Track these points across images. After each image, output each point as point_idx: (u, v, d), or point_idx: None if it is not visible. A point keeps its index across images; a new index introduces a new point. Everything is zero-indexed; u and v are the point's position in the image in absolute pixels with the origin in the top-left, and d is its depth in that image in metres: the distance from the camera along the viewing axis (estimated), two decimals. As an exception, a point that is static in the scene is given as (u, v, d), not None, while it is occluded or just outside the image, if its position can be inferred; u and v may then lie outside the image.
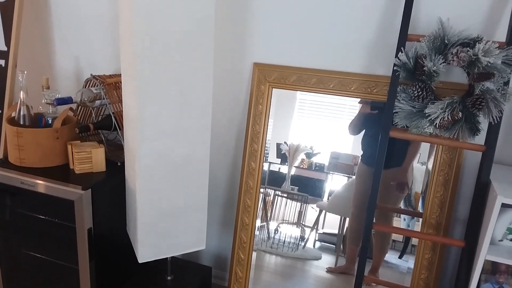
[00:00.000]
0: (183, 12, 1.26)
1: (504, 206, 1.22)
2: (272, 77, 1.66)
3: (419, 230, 1.57)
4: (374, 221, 1.44)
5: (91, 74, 1.66)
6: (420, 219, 1.56)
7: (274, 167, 1.76)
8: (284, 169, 1.75)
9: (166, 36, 1.26)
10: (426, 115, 1.27)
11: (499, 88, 1.23)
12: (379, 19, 1.51)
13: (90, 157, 1.56)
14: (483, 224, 1.31)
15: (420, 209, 1.57)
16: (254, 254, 1.79)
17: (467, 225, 1.41)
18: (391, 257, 1.63)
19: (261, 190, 1.76)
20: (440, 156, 1.49)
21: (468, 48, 1.21)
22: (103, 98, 1.63)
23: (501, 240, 1.35)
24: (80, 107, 1.78)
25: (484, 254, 1.26)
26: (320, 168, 1.70)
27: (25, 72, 1.60)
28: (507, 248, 1.33)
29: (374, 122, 1.59)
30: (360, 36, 1.55)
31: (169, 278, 1.70)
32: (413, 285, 1.56)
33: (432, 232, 1.53)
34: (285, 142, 1.73)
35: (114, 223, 1.64)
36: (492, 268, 1.42)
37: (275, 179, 1.76)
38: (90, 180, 1.51)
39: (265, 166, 1.76)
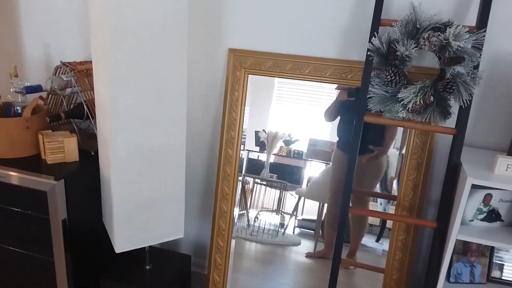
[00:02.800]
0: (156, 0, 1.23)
1: (474, 187, 1.25)
2: (247, 63, 1.65)
3: (393, 213, 1.60)
4: (350, 205, 1.46)
5: (61, 61, 1.61)
6: (395, 203, 1.60)
7: (253, 155, 1.75)
8: (263, 156, 1.75)
9: (138, 23, 1.23)
10: (399, 99, 1.29)
11: (469, 72, 1.25)
12: (353, 4, 1.51)
13: (62, 147, 1.52)
14: (454, 205, 1.34)
15: (395, 193, 1.60)
16: (233, 241, 1.80)
17: (439, 207, 1.45)
18: (368, 240, 1.66)
19: (240, 178, 1.76)
20: (413, 140, 1.52)
21: (439, 33, 1.22)
22: (74, 86, 1.59)
23: (472, 220, 1.39)
24: (50, 95, 1.73)
25: (455, 234, 1.30)
26: (298, 155, 1.71)
27: (-9, 60, 1.54)
28: (477, 228, 1.38)
29: (349, 108, 1.60)
30: (334, 21, 1.55)
31: (147, 267, 1.69)
32: (388, 266, 1.60)
33: (406, 214, 1.57)
34: (263, 130, 1.73)
35: (89, 213, 1.62)
36: (463, 248, 1.46)
37: (254, 167, 1.76)
38: (62, 170, 1.48)
39: (244, 154, 1.75)
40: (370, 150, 1.61)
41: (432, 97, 1.27)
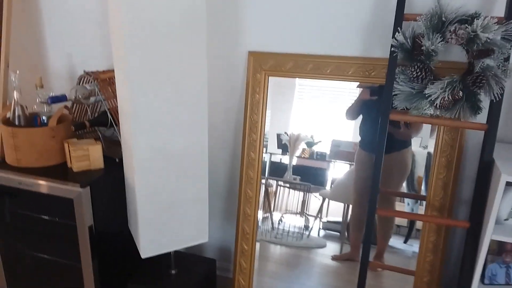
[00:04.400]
0: (173, 1, 1.23)
1: (509, 184, 1.20)
2: (267, 65, 1.64)
3: (423, 214, 1.55)
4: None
5: (84, 71, 1.64)
6: (424, 204, 1.55)
7: (276, 158, 1.74)
8: (285, 159, 1.74)
9: (156, 26, 1.24)
10: (426, 96, 1.25)
11: (499, 65, 1.20)
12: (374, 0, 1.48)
13: (88, 155, 1.55)
14: (488, 204, 1.29)
15: (423, 192, 1.56)
16: (257, 244, 1.78)
17: (471, 206, 1.40)
18: (396, 242, 1.63)
19: (263, 180, 1.75)
20: (442, 137, 1.47)
21: (466, 25, 1.18)
22: (98, 95, 1.61)
23: (507, 219, 1.34)
24: (75, 104, 1.76)
25: (489, 234, 1.25)
26: (321, 156, 1.68)
27: (18, 71, 1.58)
28: (513, 227, 1.32)
29: (372, 107, 1.57)
30: (355, 18, 1.52)
31: (173, 272, 1.70)
32: (419, 269, 1.56)
33: (437, 215, 1.52)
34: (285, 132, 1.72)
35: (115, 220, 1.64)
36: (498, 248, 1.41)
37: (277, 170, 1.75)
38: (88, 178, 1.50)
39: (267, 157, 1.74)
40: (394, 148, 1.57)
41: (461, 92, 1.23)
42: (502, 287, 1.39)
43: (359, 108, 1.59)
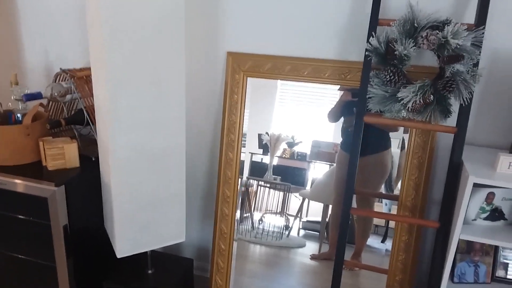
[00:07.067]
0: (152, 1, 1.23)
1: (476, 185, 1.24)
2: (246, 66, 1.65)
3: (395, 214, 1.59)
4: (353, 206, 1.45)
5: (60, 68, 1.62)
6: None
7: (256, 158, 1.75)
8: (266, 159, 1.75)
9: (135, 27, 1.23)
10: (399, 99, 1.28)
11: (468, 70, 1.24)
12: (351, 4, 1.50)
13: (63, 153, 1.53)
14: (457, 204, 1.33)
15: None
16: (235, 244, 1.79)
17: (441, 206, 1.44)
18: (373, 241, 1.65)
19: (243, 180, 1.76)
20: (414, 139, 1.51)
21: (437, 31, 1.21)
22: (74, 92, 1.59)
23: (475, 220, 1.38)
24: (51, 102, 1.74)
25: (458, 234, 1.29)
26: (302, 157, 1.70)
27: (-9, 67, 1.55)
28: (480, 227, 1.36)
29: (353, 109, 1.60)
30: (332, 22, 1.54)
31: (150, 271, 1.69)
32: (391, 267, 1.59)
33: (408, 215, 1.55)
34: (266, 133, 1.73)
35: (91, 219, 1.62)
36: (467, 247, 1.45)
37: (258, 170, 1.76)
38: (63, 177, 1.48)
39: (247, 157, 1.75)
40: (374, 150, 1.60)
41: (432, 96, 1.26)
42: (470, 286, 1.43)
43: (341, 110, 1.62)
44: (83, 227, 1.59)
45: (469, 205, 1.33)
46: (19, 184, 1.47)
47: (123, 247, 1.45)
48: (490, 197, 1.35)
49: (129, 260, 1.70)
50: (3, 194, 1.51)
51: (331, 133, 1.65)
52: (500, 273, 1.45)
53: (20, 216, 1.55)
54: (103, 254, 1.71)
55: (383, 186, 1.63)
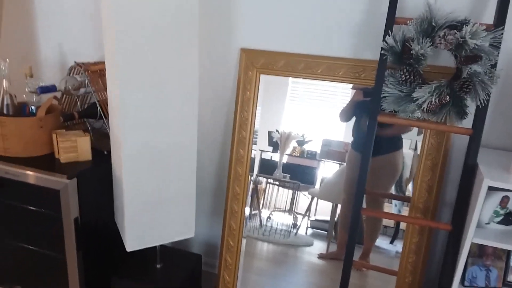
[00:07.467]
0: (166, -3, 1.23)
1: (491, 189, 1.22)
2: (259, 63, 1.64)
3: (407, 215, 1.57)
4: (363, 206, 1.44)
5: (75, 62, 1.63)
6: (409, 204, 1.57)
7: (266, 155, 1.75)
8: (276, 157, 1.74)
9: (148, 23, 1.23)
10: (414, 99, 1.26)
11: (486, 71, 1.22)
12: (367, 2, 1.49)
13: (76, 146, 1.54)
14: (470, 207, 1.31)
15: (410, 194, 1.57)
16: (244, 241, 1.79)
17: (454, 209, 1.42)
18: (382, 242, 1.64)
19: (252, 178, 1.76)
20: (428, 141, 1.49)
21: (455, 31, 1.20)
22: (88, 86, 1.60)
23: (488, 223, 1.36)
24: (64, 95, 1.75)
25: (470, 237, 1.27)
26: (312, 155, 1.69)
27: (7, 60, 1.56)
28: (493, 231, 1.34)
29: (365, 109, 1.58)
30: (347, 20, 1.53)
31: (158, 266, 1.70)
32: (401, 269, 1.58)
33: (420, 216, 1.54)
34: (276, 130, 1.72)
35: (101, 212, 1.63)
36: (479, 251, 1.43)
37: (267, 167, 1.76)
38: (75, 169, 1.49)
39: (255, 154, 1.75)
40: (386, 150, 1.58)
41: (448, 96, 1.24)
42: (481, 290, 1.42)
43: (353, 110, 1.61)
44: (94, 220, 1.60)
45: (483, 208, 1.31)
46: (32, 175, 1.48)
47: (132, 241, 1.46)
48: (504, 201, 1.33)
49: (138, 254, 1.71)
50: (16, 186, 1.53)
51: (342, 132, 1.64)
52: (512, 278, 1.43)
53: (31, 208, 1.57)
54: (112, 247, 1.72)
55: (393, 187, 1.62)
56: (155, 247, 1.65)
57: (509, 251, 1.42)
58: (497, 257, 1.42)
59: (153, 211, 1.45)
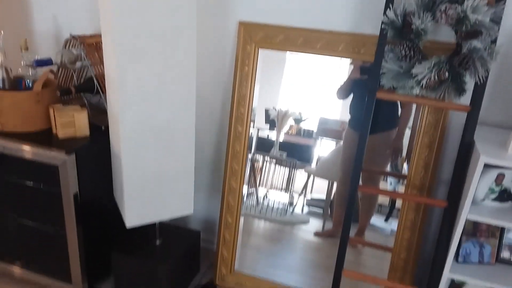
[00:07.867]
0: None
1: (486, 166, 1.23)
2: (258, 37, 1.62)
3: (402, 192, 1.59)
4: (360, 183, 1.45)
5: (70, 34, 1.60)
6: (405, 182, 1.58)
7: (263, 133, 1.74)
8: (272, 135, 1.74)
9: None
10: (413, 75, 1.26)
11: (486, 47, 1.21)
12: (368, -24, 1.46)
13: (73, 121, 1.53)
14: (466, 184, 1.32)
15: (405, 173, 1.58)
16: (242, 218, 1.81)
17: (450, 186, 1.43)
18: (377, 220, 1.66)
19: (249, 155, 1.76)
20: (426, 118, 1.49)
21: (456, 5, 1.18)
22: (84, 60, 1.58)
23: (483, 200, 1.37)
24: (61, 69, 1.73)
25: (465, 214, 1.28)
26: (308, 133, 1.69)
27: (2, 32, 1.53)
28: (488, 208, 1.36)
29: (363, 86, 1.58)
30: (348, -6, 1.50)
31: (157, 242, 1.71)
32: (396, 246, 1.60)
33: (416, 194, 1.55)
34: (273, 108, 1.72)
35: (100, 188, 1.64)
36: (473, 228, 1.45)
37: (264, 145, 1.76)
38: (73, 145, 1.49)
39: (254, 132, 1.75)
40: (382, 128, 1.58)
41: (447, 72, 1.23)
42: (475, 266, 1.44)
43: (350, 87, 1.60)
44: (93, 196, 1.61)
45: (478, 185, 1.32)
46: (30, 151, 1.48)
47: (132, 218, 1.47)
48: (499, 178, 1.34)
49: (137, 230, 1.72)
50: (13, 161, 1.53)
51: (339, 110, 1.64)
52: (505, 254, 1.45)
53: (30, 184, 1.57)
54: (112, 223, 1.74)
55: (389, 166, 1.63)
56: (154, 223, 1.66)
57: (502, 228, 1.44)
58: (491, 233, 1.44)
59: (152, 188, 1.46)
